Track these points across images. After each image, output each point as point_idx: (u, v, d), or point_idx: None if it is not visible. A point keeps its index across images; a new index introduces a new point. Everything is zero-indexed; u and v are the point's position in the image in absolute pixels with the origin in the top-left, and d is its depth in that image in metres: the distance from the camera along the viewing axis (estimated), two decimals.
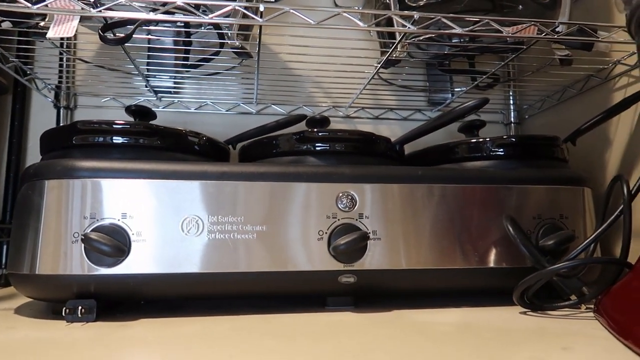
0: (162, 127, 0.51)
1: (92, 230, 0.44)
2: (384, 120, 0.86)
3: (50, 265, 0.44)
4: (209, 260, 0.45)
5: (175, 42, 0.73)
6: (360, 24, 0.50)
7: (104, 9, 0.47)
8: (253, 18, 0.49)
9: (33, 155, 0.77)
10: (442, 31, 0.51)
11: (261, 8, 0.48)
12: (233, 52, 0.59)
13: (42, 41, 0.60)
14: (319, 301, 0.50)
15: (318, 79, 0.82)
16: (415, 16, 0.50)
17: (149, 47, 0.73)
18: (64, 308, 0.43)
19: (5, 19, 0.50)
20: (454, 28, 0.51)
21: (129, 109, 0.58)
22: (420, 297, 0.54)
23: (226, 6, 0.47)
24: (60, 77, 0.76)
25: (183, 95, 0.81)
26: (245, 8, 0.49)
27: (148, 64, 0.73)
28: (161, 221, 0.45)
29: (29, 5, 0.45)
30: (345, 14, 0.50)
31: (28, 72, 0.69)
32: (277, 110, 0.84)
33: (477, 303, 0.50)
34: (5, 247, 0.73)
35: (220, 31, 0.58)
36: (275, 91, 0.80)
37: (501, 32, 0.52)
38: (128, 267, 0.44)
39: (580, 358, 0.30)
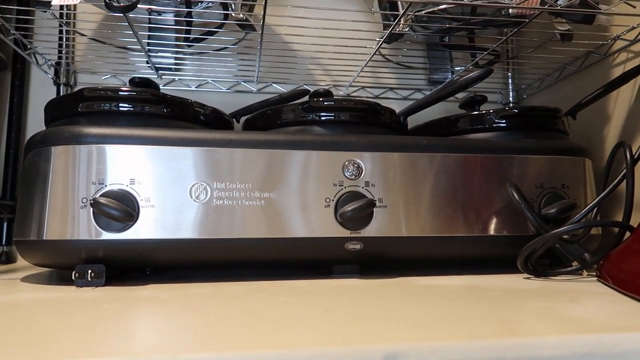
0: (169, 96, 0.51)
1: (101, 196, 0.44)
2: (384, 100, 0.86)
3: (58, 230, 0.44)
4: (216, 226, 0.45)
5: (176, 18, 0.72)
6: None
7: None
8: None
9: (32, 132, 0.76)
10: (447, 1, 0.51)
11: None
12: (237, 24, 0.59)
13: (45, 11, 0.60)
14: (325, 269, 0.51)
15: (318, 57, 0.82)
16: None
17: (149, 22, 0.73)
18: (74, 272, 0.43)
19: None
20: None
21: (132, 81, 0.58)
22: (425, 266, 0.54)
23: None
24: (60, 52, 0.76)
25: (184, 73, 0.81)
26: None
27: (149, 38, 0.72)
28: (169, 187, 0.45)
29: None
30: None
31: (28, 46, 0.68)
32: (278, 89, 0.84)
33: (481, 271, 0.51)
34: (5, 223, 0.73)
35: (224, 0, 0.58)
36: (276, 70, 0.81)
37: (505, 2, 0.52)
38: (137, 232, 0.44)
39: (586, 307, 0.31)
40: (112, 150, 0.45)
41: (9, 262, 0.72)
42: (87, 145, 0.45)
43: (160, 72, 0.79)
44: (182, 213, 0.45)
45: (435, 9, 0.59)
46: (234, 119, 0.62)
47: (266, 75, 0.82)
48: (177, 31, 0.74)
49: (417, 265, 0.55)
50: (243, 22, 0.59)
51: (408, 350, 0.21)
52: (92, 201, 0.43)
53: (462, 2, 0.50)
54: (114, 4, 0.49)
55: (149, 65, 0.75)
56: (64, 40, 0.75)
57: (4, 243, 0.72)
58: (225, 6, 0.59)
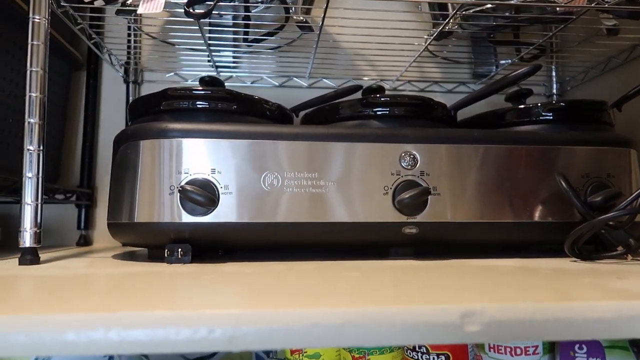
0: (241, 93, 0.56)
1: (186, 183, 0.49)
2: (429, 93, 0.90)
3: (147, 214, 0.50)
4: (286, 211, 0.50)
5: (235, 18, 0.78)
6: None
7: None
8: None
9: (105, 126, 0.83)
10: (498, 2, 0.54)
11: None
12: (297, 26, 0.64)
13: (126, 18, 0.66)
14: (381, 252, 0.55)
15: (366, 53, 0.86)
16: None
17: (209, 25, 0.78)
18: (166, 250, 0.49)
19: None
20: None
21: (202, 80, 0.63)
22: (475, 251, 0.58)
23: None
24: (129, 52, 0.82)
25: (240, 70, 0.87)
26: None
27: (210, 38, 0.78)
28: (245, 176, 0.50)
29: None
30: None
31: (104, 48, 0.75)
32: (328, 84, 0.88)
33: (528, 255, 0.55)
34: (83, 210, 0.80)
35: (286, 6, 0.63)
36: (326, 65, 0.85)
37: (554, 2, 0.55)
38: (217, 216, 0.50)
39: (632, 282, 0.34)
40: (194, 144, 0.50)
41: (86, 245, 0.80)
42: (171, 139, 0.51)
43: (219, 69, 0.84)
44: (256, 199, 0.50)
45: (484, 7, 0.62)
46: (293, 114, 0.67)
47: (317, 70, 0.86)
48: (235, 31, 0.79)
49: (467, 250, 0.59)
50: (303, 24, 0.63)
51: (481, 309, 0.26)
52: (179, 188, 0.49)
53: (513, 2, 0.53)
54: (192, 12, 0.54)
55: (210, 63, 0.81)
56: (132, 41, 0.82)
57: (82, 227, 0.80)
58: (286, 9, 0.64)
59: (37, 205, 0.49)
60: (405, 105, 0.58)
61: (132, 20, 0.77)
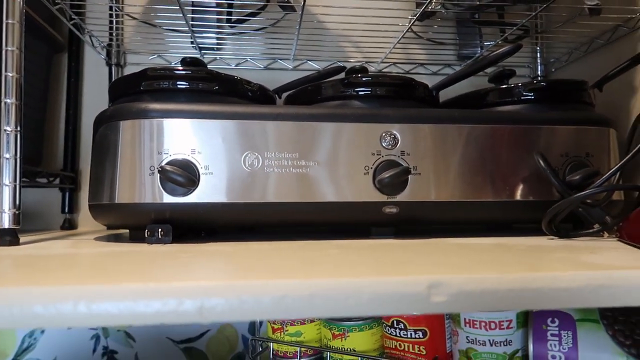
0: (222, 74, 0.56)
1: (166, 164, 0.49)
2: (414, 75, 0.89)
3: (127, 194, 0.50)
4: (266, 191, 0.51)
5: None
6: None
7: None
8: None
9: (88, 109, 0.83)
10: None
11: None
12: (279, 5, 0.63)
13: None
14: (363, 232, 0.56)
15: (351, 35, 0.86)
16: None
17: (192, 5, 0.77)
18: (146, 230, 0.49)
19: None
20: None
21: (184, 61, 0.63)
22: (455, 230, 0.59)
23: None
24: (111, 34, 0.81)
25: (224, 53, 0.86)
26: None
27: (193, 19, 0.77)
28: (225, 157, 0.50)
29: None
30: None
31: (85, 30, 0.74)
32: (313, 66, 0.88)
33: (507, 234, 0.55)
34: (67, 193, 0.80)
35: None
36: (310, 47, 0.85)
37: None
38: (198, 196, 0.50)
39: (603, 256, 0.35)
40: (174, 124, 0.50)
41: (71, 228, 0.80)
42: (151, 119, 0.50)
43: (202, 51, 0.84)
44: (236, 180, 0.50)
45: None
46: (276, 95, 0.66)
47: (301, 52, 0.86)
48: (219, 12, 0.79)
49: (447, 229, 0.59)
50: (285, 4, 0.63)
51: (448, 280, 0.26)
52: (159, 169, 0.49)
53: None
54: None
55: (193, 45, 0.81)
56: (114, 22, 0.81)
57: (66, 211, 0.80)
58: None
59: (15, 186, 0.48)
60: (387, 85, 0.58)
61: (114, 1, 0.76)
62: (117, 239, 0.58)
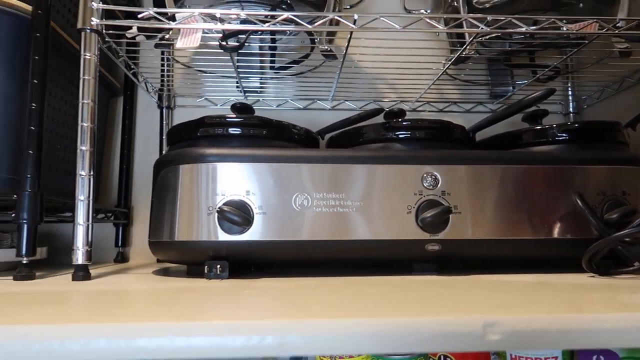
0: (272, 120, 0.60)
1: (223, 204, 0.53)
2: (448, 113, 0.93)
3: (186, 232, 0.54)
4: (316, 230, 0.54)
5: (262, 47, 0.83)
6: (440, 27, 0.57)
7: (226, 24, 0.56)
8: (347, 25, 0.57)
9: (140, 149, 0.88)
10: (512, 30, 0.57)
11: (355, 17, 0.57)
12: (322, 54, 0.68)
13: (167, 50, 0.71)
14: (405, 268, 0.58)
15: (387, 77, 0.90)
16: (488, 18, 0.57)
17: (238, 52, 0.83)
18: (206, 266, 0.53)
19: (140, 33, 0.60)
20: (522, 27, 0.58)
21: (234, 107, 0.68)
22: (495, 267, 0.61)
23: (326, 16, 0.56)
24: (162, 80, 0.87)
25: (266, 94, 0.91)
26: (341, 17, 0.57)
27: (238, 67, 0.83)
28: (277, 197, 0.54)
29: (172, 23, 0.55)
30: (427, 20, 0.57)
31: (141, 77, 0.80)
32: (350, 106, 0.92)
33: (547, 271, 0.57)
34: (120, 228, 0.85)
35: (312, 37, 0.67)
36: (348, 88, 0.89)
37: (565, 29, 0.58)
38: (252, 234, 0.53)
39: None
40: (230, 167, 0.55)
41: (123, 261, 0.85)
42: (208, 163, 0.55)
43: (247, 94, 0.89)
44: (288, 219, 0.54)
45: (499, 33, 0.65)
46: (319, 136, 0.70)
47: (339, 93, 0.90)
48: (262, 58, 0.84)
49: (487, 265, 0.61)
50: (328, 53, 0.67)
51: (502, 320, 0.28)
52: (217, 209, 0.53)
53: (526, 30, 0.57)
54: (226, 45, 0.59)
55: (238, 88, 0.86)
56: (165, 69, 0.87)
57: (119, 245, 0.84)
58: (312, 40, 0.68)
59: (87, 225, 0.53)
60: (426, 129, 0.61)
61: (166, 52, 0.82)
62: (171, 273, 0.62)
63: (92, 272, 0.62)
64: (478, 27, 0.58)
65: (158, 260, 0.83)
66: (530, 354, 0.44)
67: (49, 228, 0.83)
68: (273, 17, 0.57)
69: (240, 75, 0.82)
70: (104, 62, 0.77)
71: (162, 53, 0.86)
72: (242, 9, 0.72)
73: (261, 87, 0.89)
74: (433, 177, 0.56)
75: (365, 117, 0.73)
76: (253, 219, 0.53)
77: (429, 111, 0.93)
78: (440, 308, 0.32)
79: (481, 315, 0.29)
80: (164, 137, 0.87)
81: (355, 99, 0.92)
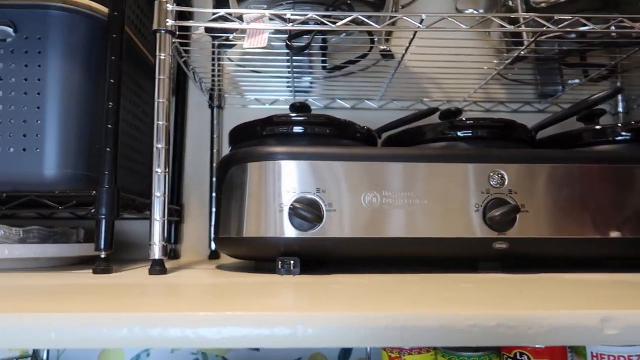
0: (339, 119, 0.61)
1: (295, 202, 0.54)
2: (495, 113, 0.93)
3: (255, 229, 0.55)
4: (384, 227, 0.55)
5: (319, 47, 0.83)
6: (507, 26, 0.58)
7: (295, 24, 0.57)
8: (414, 24, 0.58)
9: (191, 148, 0.90)
10: (580, 29, 0.57)
11: (423, 16, 0.57)
12: (380, 54, 0.68)
13: (215, 50, 0.72)
14: (470, 266, 0.58)
15: (434, 76, 0.91)
16: (555, 17, 0.57)
17: (288, 53, 0.84)
18: (279, 262, 0.54)
19: (206, 34, 0.61)
20: (589, 25, 0.58)
21: (293, 106, 0.69)
22: (559, 266, 0.61)
23: (395, 16, 0.57)
24: (213, 80, 0.89)
25: (314, 94, 0.92)
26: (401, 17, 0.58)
27: (290, 66, 0.84)
28: (347, 195, 0.55)
29: (243, 23, 0.56)
30: (493, 18, 0.58)
31: (197, 77, 0.82)
32: (397, 105, 0.93)
33: (618, 270, 0.57)
34: (173, 225, 0.87)
35: (372, 37, 0.68)
36: (396, 88, 0.90)
37: (633, 27, 0.58)
38: (322, 231, 0.54)
39: None
40: (302, 165, 0.55)
41: (175, 258, 0.86)
42: (280, 161, 0.56)
43: (296, 94, 0.90)
44: (357, 216, 0.55)
45: (571, 32, 0.65)
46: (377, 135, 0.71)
47: (387, 93, 0.91)
48: (311, 58, 0.85)
49: (549, 264, 0.61)
50: (386, 52, 0.68)
51: (619, 315, 0.29)
52: (290, 206, 0.54)
53: (596, 30, 0.57)
54: (293, 45, 0.60)
55: (289, 88, 0.87)
56: (216, 68, 0.89)
57: (172, 242, 0.86)
58: (372, 40, 0.69)
59: (163, 221, 0.54)
60: (491, 128, 0.62)
61: (216, 52, 0.84)
62: (239, 269, 0.63)
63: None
64: (543, 26, 0.58)
65: (209, 257, 0.85)
66: (613, 351, 0.44)
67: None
68: (341, 17, 0.58)
69: (295, 75, 0.83)
70: None
71: (213, 53, 0.87)
72: (293, 8, 0.73)
73: (310, 87, 0.90)
74: (500, 175, 0.57)
75: (420, 116, 0.73)
76: (323, 215, 0.54)
77: (476, 111, 0.93)
78: (552, 302, 0.32)
79: (599, 309, 0.29)
80: (214, 135, 0.89)
81: (402, 98, 0.93)
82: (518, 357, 0.49)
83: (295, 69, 0.82)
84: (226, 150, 0.90)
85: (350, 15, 0.57)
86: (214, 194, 0.87)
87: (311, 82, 0.90)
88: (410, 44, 0.64)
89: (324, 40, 0.81)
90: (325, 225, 0.54)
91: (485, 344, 0.28)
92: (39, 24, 0.55)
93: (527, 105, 0.93)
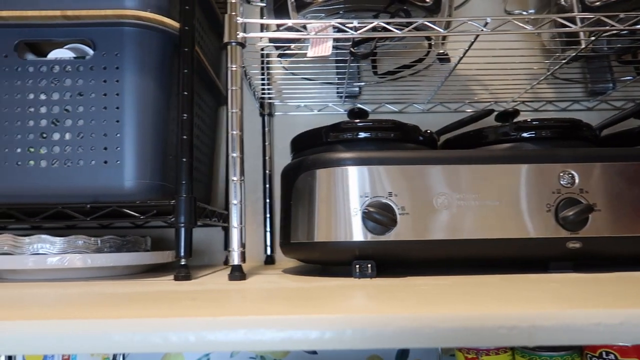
0: (404, 123, 0.62)
1: (369, 206, 0.55)
2: (543, 112, 0.93)
3: (329, 234, 0.56)
4: (457, 229, 0.55)
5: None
6: (572, 25, 0.58)
7: (362, 32, 0.58)
8: (477, 27, 0.59)
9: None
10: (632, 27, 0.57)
11: (488, 20, 0.58)
12: (437, 58, 0.69)
13: (286, 59, 0.74)
14: (541, 266, 0.59)
15: (481, 78, 0.91)
16: (620, 15, 0.58)
17: (337, 61, 0.85)
18: (356, 265, 0.55)
19: (270, 44, 0.63)
20: None
21: (352, 112, 0.70)
22: (629, 265, 0.60)
23: (462, 21, 0.57)
24: (263, 88, 0.91)
25: (362, 99, 0.93)
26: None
27: (346, 72, 0.85)
28: (419, 198, 0.56)
29: (309, 32, 0.58)
30: (558, 19, 0.58)
31: (251, 86, 0.83)
32: (443, 108, 0.93)
33: None
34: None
35: (429, 41, 0.69)
36: (444, 91, 0.90)
37: None
38: (396, 234, 0.55)
39: None
40: (372, 170, 0.56)
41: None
42: (351, 166, 0.57)
43: (344, 99, 0.91)
44: (430, 219, 0.55)
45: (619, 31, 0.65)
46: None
47: (434, 96, 0.91)
48: (356, 62, 0.86)
49: (618, 263, 0.61)
50: (443, 57, 0.69)
51: None
52: (365, 210, 0.55)
53: None
54: (357, 52, 0.61)
55: (340, 94, 0.88)
56: (266, 77, 0.90)
57: (228, 248, 0.88)
58: (429, 45, 0.70)
59: (241, 228, 0.56)
60: (557, 128, 0.62)
61: (267, 61, 0.85)
62: (305, 272, 0.65)
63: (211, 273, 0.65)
64: (606, 24, 0.59)
65: (265, 263, 0.86)
66: None
67: (160, 232, 0.87)
68: (405, 24, 0.59)
69: (349, 81, 0.84)
70: (217, 71, 0.81)
71: (262, 62, 0.89)
72: (354, 17, 0.74)
73: (359, 92, 0.91)
74: (570, 175, 0.57)
75: (477, 118, 0.74)
76: (397, 219, 0.55)
77: (525, 111, 0.93)
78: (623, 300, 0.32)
79: None
80: (266, 143, 0.90)
81: (449, 100, 0.93)
82: (604, 356, 0.49)
83: (347, 75, 0.83)
84: (278, 157, 0.92)
85: (415, 21, 0.58)
86: (267, 200, 0.89)
87: (360, 87, 0.91)
88: (469, 47, 0.65)
89: (375, 47, 0.82)
90: (399, 229, 0.55)
91: (607, 342, 0.29)
92: (116, 40, 0.57)
93: (576, 104, 0.93)
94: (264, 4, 0.75)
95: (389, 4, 0.65)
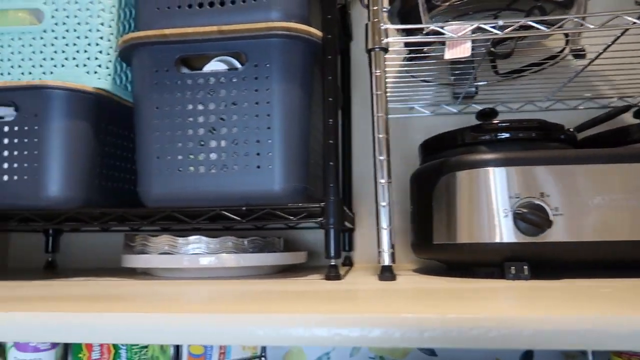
0: (549, 122, 0.61)
1: (520, 207, 0.55)
2: None
3: (470, 235, 0.56)
4: (613, 230, 0.53)
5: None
6: None
7: (508, 31, 0.58)
8: (629, 21, 0.57)
9: (356, 159, 0.94)
10: None
11: None
12: (572, 54, 0.67)
13: (416, 62, 0.76)
14: None
15: (604, 73, 0.87)
16: None
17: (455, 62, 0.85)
18: (510, 267, 0.54)
19: (406, 48, 0.64)
20: None
21: (482, 112, 0.69)
22: None
23: (616, 14, 0.56)
24: None
25: (477, 99, 0.92)
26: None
27: (456, 73, 0.85)
28: (573, 198, 0.54)
29: (453, 35, 0.58)
30: None
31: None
32: (562, 106, 0.90)
33: None
34: (347, 233, 0.90)
35: (567, 38, 0.67)
36: (564, 88, 0.87)
37: None
38: (550, 236, 0.54)
39: None
40: (523, 171, 0.56)
41: (350, 265, 0.90)
42: (500, 167, 0.56)
43: (458, 99, 0.91)
44: (584, 219, 0.54)
45: None
46: None
47: (555, 94, 0.89)
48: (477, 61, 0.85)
49: None
50: (579, 52, 0.67)
51: None
52: (517, 211, 0.54)
53: None
54: (497, 52, 0.61)
55: (456, 95, 0.88)
56: None
57: (347, 249, 0.90)
58: (566, 41, 0.68)
59: (390, 229, 0.57)
60: None
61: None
62: (440, 273, 0.65)
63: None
64: None
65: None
66: None
67: (270, 234, 0.90)
68: (552, 21, 0.58)
69: (471, 82, 0.83)
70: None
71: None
72: (467, 16, 0.74)
73: (476, 92, 0.90)
74: None
75: (614, 115, 0.71)
76: (552, 220, 0.54)
77: None
78: None
79: None
80: None
81: (569, 98, 0.90)
82: None
83: (463, 76, 0.82)
84: (395, 159, 0.93)
85: (564, 18, 0.57)
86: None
87: (477, 87, 0.90)
88: (613, 42, 0.62)
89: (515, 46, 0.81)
90: (553, 230, 0.54)
91: None
92: (265, 51, 0.61)
93: None
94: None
95: (512, 2, 0.64)
